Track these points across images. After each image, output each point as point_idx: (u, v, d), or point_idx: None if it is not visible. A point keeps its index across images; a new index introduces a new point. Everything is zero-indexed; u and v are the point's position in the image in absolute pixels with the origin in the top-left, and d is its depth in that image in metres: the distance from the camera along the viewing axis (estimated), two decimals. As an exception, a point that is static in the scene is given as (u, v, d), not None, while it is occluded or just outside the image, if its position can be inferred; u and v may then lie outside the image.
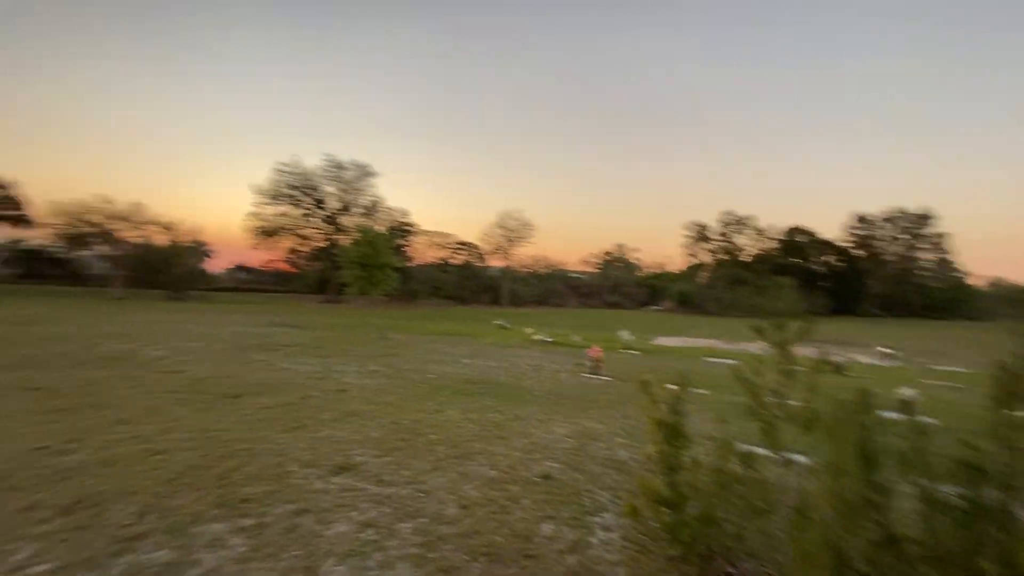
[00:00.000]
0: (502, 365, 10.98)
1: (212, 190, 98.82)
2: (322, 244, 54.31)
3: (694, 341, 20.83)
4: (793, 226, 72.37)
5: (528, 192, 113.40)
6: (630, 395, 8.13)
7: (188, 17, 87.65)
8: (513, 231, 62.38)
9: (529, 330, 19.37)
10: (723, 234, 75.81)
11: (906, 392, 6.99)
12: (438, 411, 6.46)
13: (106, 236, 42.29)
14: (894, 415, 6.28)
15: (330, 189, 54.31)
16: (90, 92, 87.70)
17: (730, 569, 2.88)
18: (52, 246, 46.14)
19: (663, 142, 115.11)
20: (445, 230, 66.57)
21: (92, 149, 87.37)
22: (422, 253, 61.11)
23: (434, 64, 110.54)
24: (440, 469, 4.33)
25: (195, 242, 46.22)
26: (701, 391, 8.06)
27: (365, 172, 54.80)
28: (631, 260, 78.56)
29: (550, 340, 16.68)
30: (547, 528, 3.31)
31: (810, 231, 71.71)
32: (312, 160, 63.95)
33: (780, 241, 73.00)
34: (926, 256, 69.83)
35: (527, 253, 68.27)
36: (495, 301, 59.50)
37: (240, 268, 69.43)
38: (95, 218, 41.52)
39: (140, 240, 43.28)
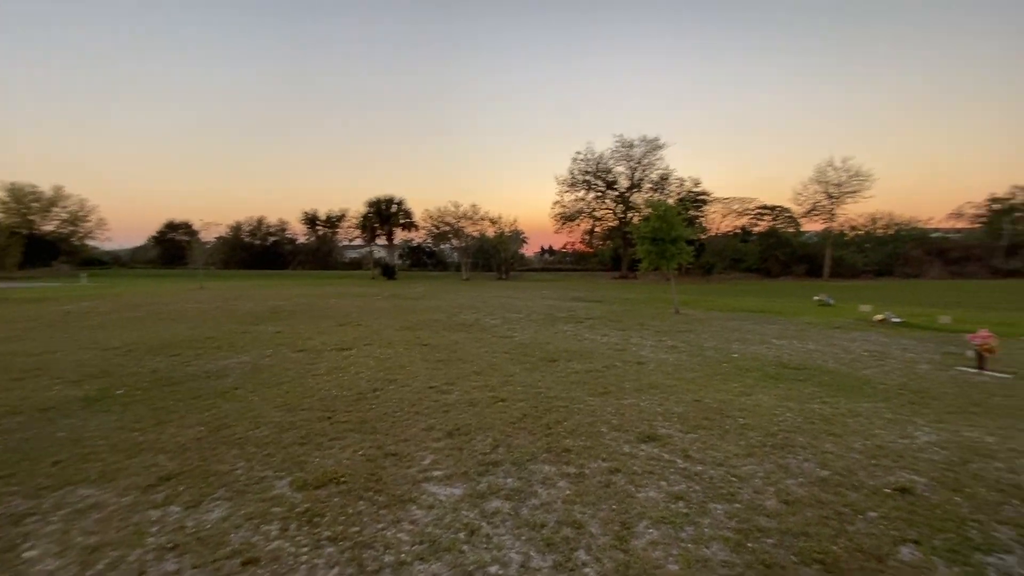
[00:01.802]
0: (827, 349, 9.22)
1: (525, 185, 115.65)
2: (613, 223, 56.89)
3: None
4: None
5: (862, 132, 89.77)
6: (1052, 402, 5.62)
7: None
8: (837, 185, 50.56)
9: (865, 307, 15.59)
10: None
11: None
12: (746, 394, 5.92)
13: (456, 232, 55.06)
14: None
15: (620, 169, 56.13)
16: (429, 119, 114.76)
17: None
18: (426, 243, 62.99)
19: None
20: (746, 195, 59.73)
21: (437, 163, 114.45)
22: (717, 223, 56.65)
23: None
24: (754, 456, 3.96)
25: (514, 231, 55.42)
26: None
27: (654, 146, 54.28)
28: (1046, 206, 52.92)
29: (898, 320, 13.00)
30: (908, 553, 2.62)
31: None
32: (604, 144, 67.49)
33: None
34: None
35: (859, 211, 54.42)
36: (813, 273, 50.16)
37: (546, 251, 79.71)
38: (449, 219, 54.64)
39: (477, 233, 54.63)
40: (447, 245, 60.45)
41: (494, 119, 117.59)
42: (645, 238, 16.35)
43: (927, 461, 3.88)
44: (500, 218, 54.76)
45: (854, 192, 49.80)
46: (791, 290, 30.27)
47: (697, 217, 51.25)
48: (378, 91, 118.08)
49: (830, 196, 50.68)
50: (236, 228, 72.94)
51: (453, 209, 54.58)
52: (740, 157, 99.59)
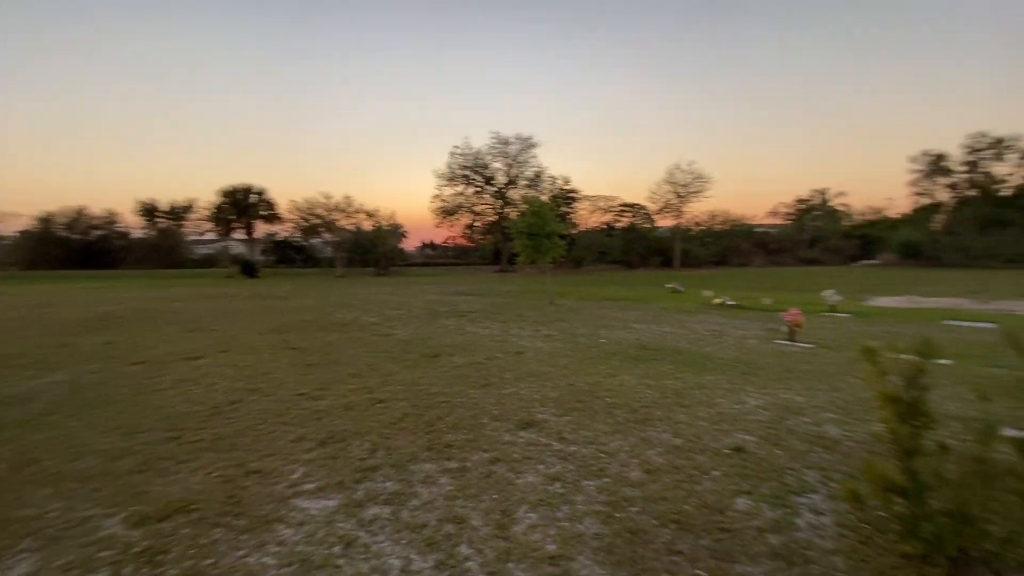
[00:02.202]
0: (678, 331, 10.43)
1: (404, 178, 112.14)
2: (493, 218, 58.07)
3: (927, 300, 16.84)
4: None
5: (702, 140, 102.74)
6: (840, 365, 6.99)
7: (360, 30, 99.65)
8: (684, 186, 57.60)
9: (707, 293, 17.94)
10: (970, 164, 58.11)
11: None
12: (612, 375, 6.44)
13: (328, 225, 51.72)
14: None
15: (497, 165, 57.40)
16: (302, 103, 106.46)
17: (997, 581, 2.31)
18: (293, 237, 58.15)
19: (879, 56, 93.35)
20: (609, 193, 65.10)
21: (308, 152, 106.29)
22: (585, 219, 60.83)
23: (589, 17, 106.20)
24: (620, 432, 4.32)
25: (393, 225, 53.71)
26: (943, 361, 6.52)
27: (528, 144, 56.38)
28: (835, 207, 66.00)
29: (733, 303, 15.22)
30: (742, 503, 3.07)
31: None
32: (481, 140, 68.50)
33: (1068, 163, 53.33)
34: None
35: (702, 209, 62.61)
36: (666, 264, 56.39)
37: (427, 245, 78.68)
38: (320, 211, 51.12)
39: (352, 227, 51.91)
40: (318, 240, 56.59)
41: (371, 111, 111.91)
42: (522, 233, 16.96)
43: (755, 422, 4.58)
44: (377, 211, 52.71)
45: (697, 192, 57.29)
46: (648, 279, 33.68)
47: (568, 213, 54.50)
48: (236, 76, 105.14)
49: (678, 195, 57.55)
50: (46, 220, 60.23)
51: (324, 201, 51.21)
52: (605, 157, 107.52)
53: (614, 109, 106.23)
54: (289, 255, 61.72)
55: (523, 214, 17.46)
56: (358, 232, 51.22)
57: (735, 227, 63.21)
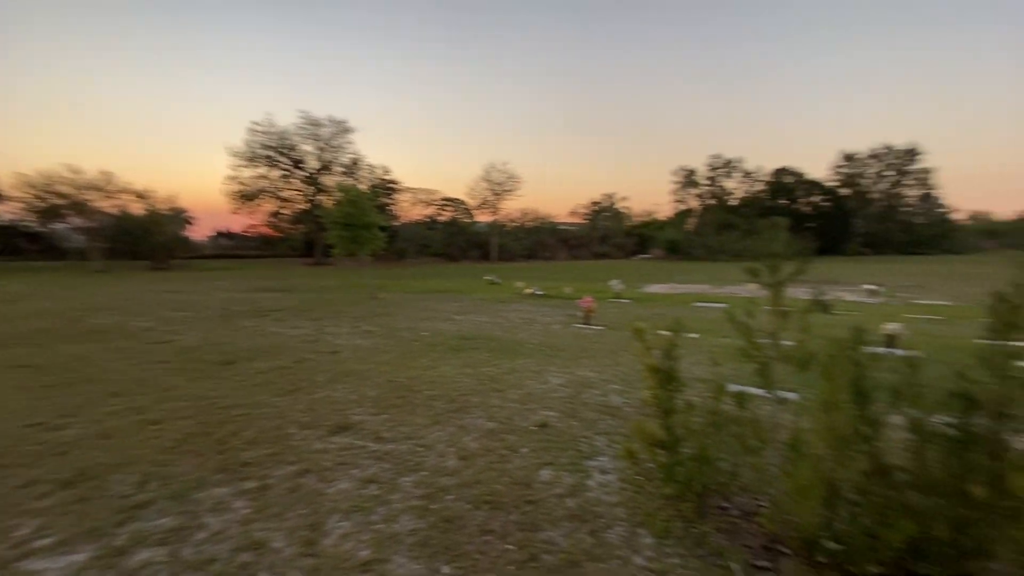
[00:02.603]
0: (494, 320, 11.02)
1: (187, 155, 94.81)
2: (304, 206, 53.15)
3: (683, 287, 21.04)
4: (780, 167, 71.90)
5: (514, 143, 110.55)
6: (622, 343, 8.22)
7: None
8: (499, 184, 61.29)
9: (520, 284, 19.37)
10: (711, 178, 74.99)
11: (892, 327, 7.12)
12: (433, 368, 6.49)
13: (79, 207, 40.85)
14: (882, 350, 6.44)
15: (307, 148, 52.64)
16: (48, 63, 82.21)
17: (724, 504, 2.98)
18: (24, 220, 44.42)
19: (653, 82, 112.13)
20: (430, 187, 65.44)
21: (54, 120, 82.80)
22: (407, 211, 60.07)
23: (404, 10, 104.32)
24: (439, 423, 4.38)
25: (173, 209, 45.02)
26: (692, 335, 8.17)
27: (343, 128, 53.01)
28: (620, 209, 77.71)
29: (541, 293, 16.73)
30: (546, 474, 3.39)
31: (798, 172, 71.37)
32: (287, 118, 61.91)
33: (767, 183, 72.63)
34: (911, 192, 70.04)
35: (515, 207, 67.49)
36: (484, 257, 59.17)
37: (223, 234, 67.98)
38: (64, 189, 39.97)
39: (115, 210, 41.96)
40: (63, 225, 44.26)
41: (146, 75, 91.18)
42: (337, 223, 15.90)
43: (557, 399, 5.10)
44: (151, 192, 43.56)
45: (511, 191, 61.55)
46: (468, 272, 34.90)
47: (389, 204, 53.07)
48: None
49: (495, 193, 60.98)
50: None
51: (70, 176, 40.15)
52: (427, 152, 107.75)
53: (435, 105, 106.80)
54: (17, 244, 47.03)
55: (339, 203, 16.37)
56: (123, 217, 41.62)
57: (543, 224, 69.67)
